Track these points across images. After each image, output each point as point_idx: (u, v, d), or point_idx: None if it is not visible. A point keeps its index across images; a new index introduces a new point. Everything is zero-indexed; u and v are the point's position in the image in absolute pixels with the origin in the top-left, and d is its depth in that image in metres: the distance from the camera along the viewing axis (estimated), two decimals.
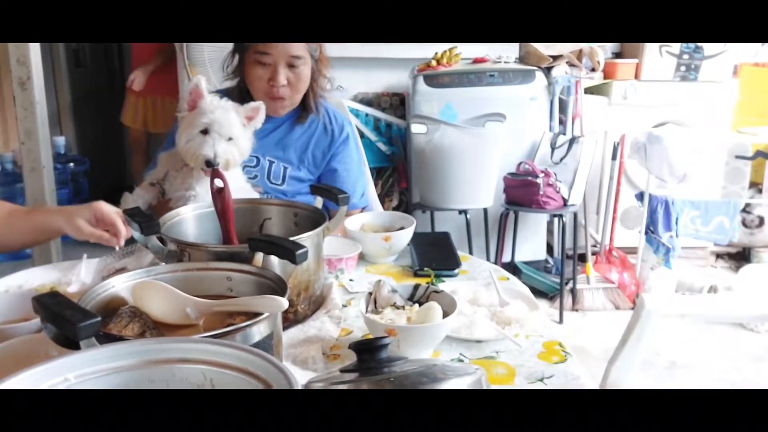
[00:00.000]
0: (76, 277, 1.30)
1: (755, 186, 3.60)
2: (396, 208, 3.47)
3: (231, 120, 1.41)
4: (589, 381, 0.99)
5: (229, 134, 1.40)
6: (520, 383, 0.98)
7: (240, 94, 1.65)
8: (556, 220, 3.31)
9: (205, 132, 1.38)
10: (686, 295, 3.19)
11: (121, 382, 0.61)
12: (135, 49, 3.72)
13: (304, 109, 1.73)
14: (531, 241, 3.42)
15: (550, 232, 3.52)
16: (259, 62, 1.62)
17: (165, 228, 1.15)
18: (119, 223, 1.31)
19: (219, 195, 1.17)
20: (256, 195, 1.55)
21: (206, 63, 2.77)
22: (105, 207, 1.33)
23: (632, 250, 3.33)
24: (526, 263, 3.40)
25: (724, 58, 3.40)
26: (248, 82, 1.68)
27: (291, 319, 1.13)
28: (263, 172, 1.71)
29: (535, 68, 3.25)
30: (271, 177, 1.72)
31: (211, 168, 1.35)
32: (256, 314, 0.80)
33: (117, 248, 1.35)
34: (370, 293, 1.12)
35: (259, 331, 0.79)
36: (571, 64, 3.32)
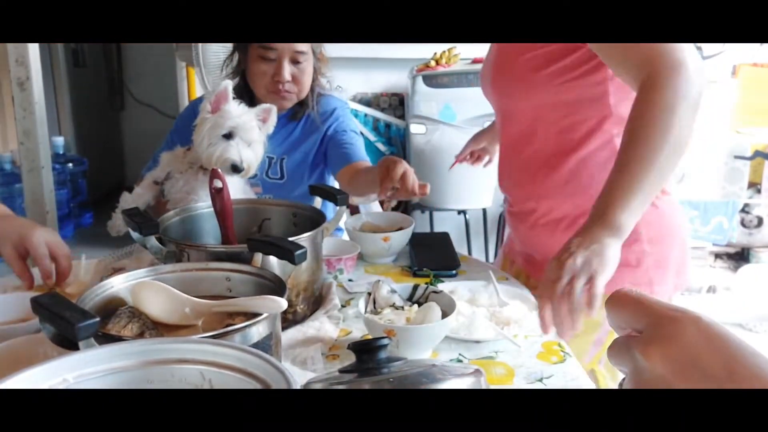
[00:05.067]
0: (75, 278, 1.30)
1: (754, 186, 3.60)
2: (395, 209, 3.47)
3: (253, 125, 1.41)
4: (588, 381, 0.99)
5: (250, 140, 1.40)
6: (519, 383, 0.98)
7: (241, 94, 1.65)
8: None
9: (228, 136, 1.37)
10: (685, 295, 3.20)
11: (120, 383, 0.61)
12: None
13: (300, 106, 1.74)
14: None
15: None
16: (263, 58, 1.62)
17: (164, 228, 1.15)
18: (44, 262, 1.15)
19: (218, 195, 1.17)
20: (253, 195, 1.56)
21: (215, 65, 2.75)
22: (36, 238, 1.15)
23: None
24: None
25: (723, 58, 3.40)
26: (251, 79, 1.67)
27: (290, 319, 1.13)
28: (262, 170, 1.71)
29: None
30: (269, 172, 1.72)
31: (237, 172, 1.36)
32: (255, 315, 0.80)
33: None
34: (369, 294, 1.12)
35: (258, 331, 0.79)
36: None
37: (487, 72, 1.39)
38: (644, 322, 0.42)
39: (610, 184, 1.00)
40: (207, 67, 2.76)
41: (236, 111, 1.39)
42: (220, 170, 1.23)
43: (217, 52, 2.71)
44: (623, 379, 0.44)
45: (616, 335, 0.46)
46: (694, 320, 0.40)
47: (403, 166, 1.35)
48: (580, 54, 1.15)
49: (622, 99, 1.18)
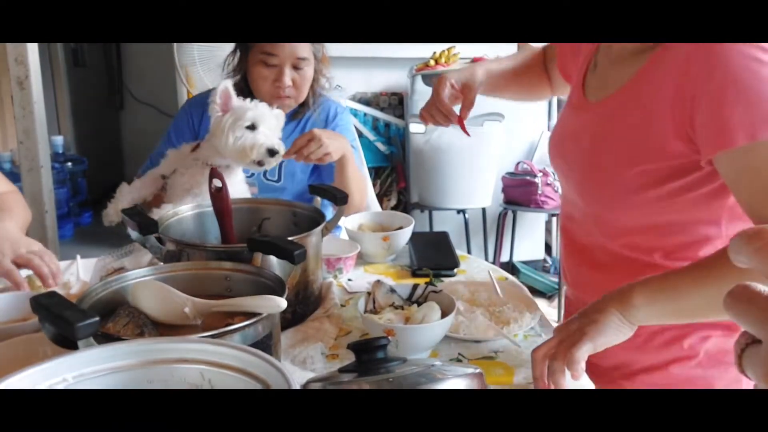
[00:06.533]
0: (76, 278, 1.30)
1: None
2: (394, 208, 3.48)
3: (270, 115, 1.45)
4: (588, 380, 0.99)
5: (272, 128, 1.45)
6: (518, 383, 0.98)
7: (241, 92, 1.65)
8: (554, 219, 3.32)
9: (252, 127, 1.40)
10: None
11: (120, 382, 0.61)
12: None
13: (301, 106, 1.74)
14: (529, 240, 3.42)
15: (548, 231, 3.53)
16: (265, 63, 1.63)
17: (163, 227, 1.15)
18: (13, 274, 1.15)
19: (218, 195, 1.17)
20: (250, 195, 1.56)
21: (196, 63, 2.75)
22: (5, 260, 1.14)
23: None
24: (525, 263, 3.41)
25: None
26: (252, 81, 1.68)
27: (289, 319, 1.13)
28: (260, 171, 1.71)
29: None
30: (267, 174, 1.72)
31: (274, 155, 1.41)
32: (255, 314, 0.80)
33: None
34: (369, 293, 1.12)
35: (257, 331, 0.79)
36: None
37: (571, 166, 1.14)
38: None
39: (663, 275, 0.92)
40: (186, 65, 2.76)
41: (248, 104, 1.42)
42: (255, 159, 1.38)
43: (191, 48, 2.71)
44: (746, 341, 0.36)
45: None
46: None
47: (312, 135, 1.48)
48: (702, 174, 0.96)
49: (735, 220, 1.00)
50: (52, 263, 1.18)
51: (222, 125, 1.40)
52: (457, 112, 1.30)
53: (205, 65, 2.69)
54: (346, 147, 1.58)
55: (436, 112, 1.28)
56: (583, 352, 0.89)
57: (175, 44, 2.73)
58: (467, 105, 1.28)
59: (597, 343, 0.90)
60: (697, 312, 0.93)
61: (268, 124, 1.43)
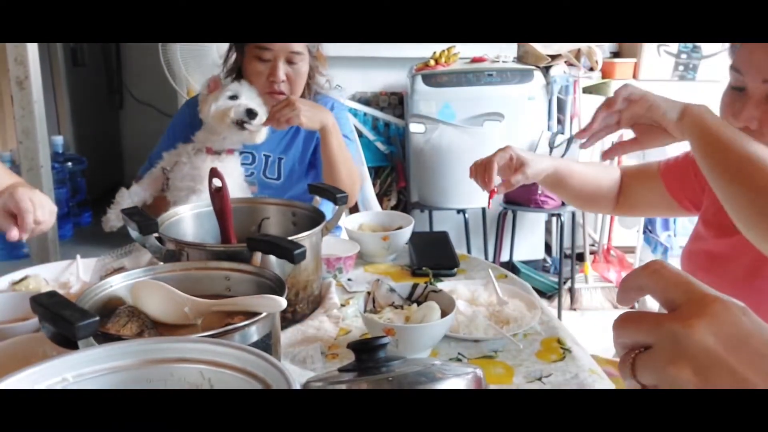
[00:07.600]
0: (76, 278, 1.30)
1: None
2: (394, 208, 3.48)
3: (253, 90, 1.58)
4: (588, 379, 0.99)
5: (253, 100, 1.56)
6: (518, 382, 0.98)
7: None
8: (554, 219, 3.31)
9: (234, 98, 1.53)
10: None
11: (119, 382, 0.61)
12: None
13: None
14: (529, 240, 3.42)
15: (548, 231, 3.52)
16: (259, 58, 1.63)
17: (163, 227, 1.15)
18: (27, 216, 1.16)
19: (217, 194, 1.17)
20: (250, 194, 1.56)
21: (180, 65, 2.73)
22: (18, 194, 1.16)
23: (630, 250, 3.34)
24: (524, 262, 3.40)
25: (723, 58, 3.40)
26: (247, 78, 1.68)
27: (289, 318, 1.14)
28: (259, 168, 1.71)
29: (534, 68, 3.25)
30: (266, 172, 1.72)
31: (253, 117, 1.50)
32: (255, 314, 0.80)
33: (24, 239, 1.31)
34: (369, 293, 1.12)
35: (257, 330, 0.79)
36: (569, 64, 3.32)
37: (722, 284, 1.19)
38: (684, 297, 0.43)
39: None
40: (187, 68, 2.75)
41: (233, 82, 1.58)
42: (233, 122, 1.49)
43: (174, 50, 2.70)
44: (634, 353, 0.43)
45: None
46: (741, 308, 0.41)
47: (288, 101, 1.55)
48: None
49: None
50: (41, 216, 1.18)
51: (207, 100, 1.53)
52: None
53: (188, 65, 2.67)
54: (327, 120, 1.57)
55: (481, 171, 1.26)
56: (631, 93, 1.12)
57: (160, 47, 2.71)
58: (507, 185, 1.24)
59: (649, 100, 1.13)
60: (731, 166, 0.96)
61: (250, 95, 1.55)
